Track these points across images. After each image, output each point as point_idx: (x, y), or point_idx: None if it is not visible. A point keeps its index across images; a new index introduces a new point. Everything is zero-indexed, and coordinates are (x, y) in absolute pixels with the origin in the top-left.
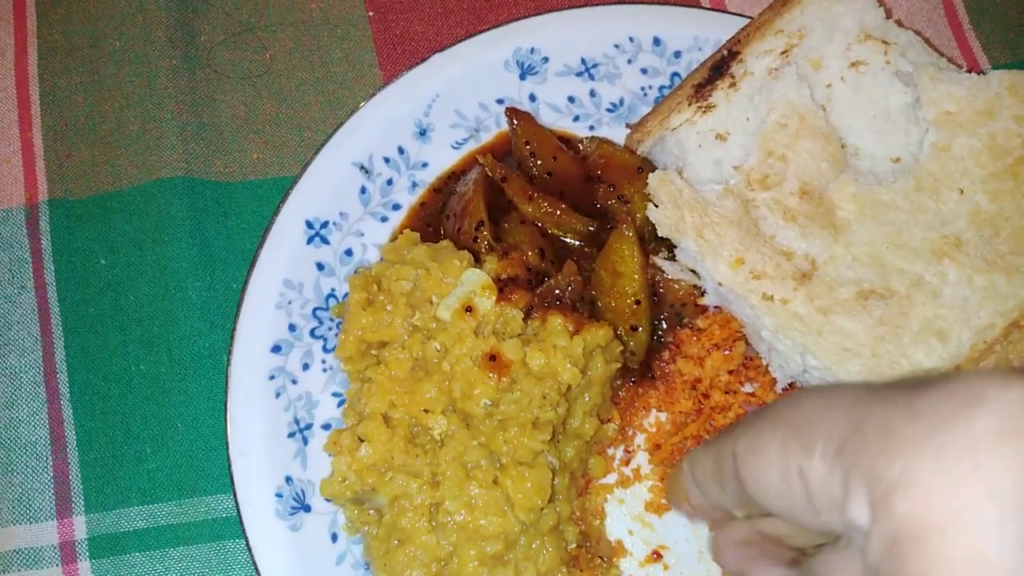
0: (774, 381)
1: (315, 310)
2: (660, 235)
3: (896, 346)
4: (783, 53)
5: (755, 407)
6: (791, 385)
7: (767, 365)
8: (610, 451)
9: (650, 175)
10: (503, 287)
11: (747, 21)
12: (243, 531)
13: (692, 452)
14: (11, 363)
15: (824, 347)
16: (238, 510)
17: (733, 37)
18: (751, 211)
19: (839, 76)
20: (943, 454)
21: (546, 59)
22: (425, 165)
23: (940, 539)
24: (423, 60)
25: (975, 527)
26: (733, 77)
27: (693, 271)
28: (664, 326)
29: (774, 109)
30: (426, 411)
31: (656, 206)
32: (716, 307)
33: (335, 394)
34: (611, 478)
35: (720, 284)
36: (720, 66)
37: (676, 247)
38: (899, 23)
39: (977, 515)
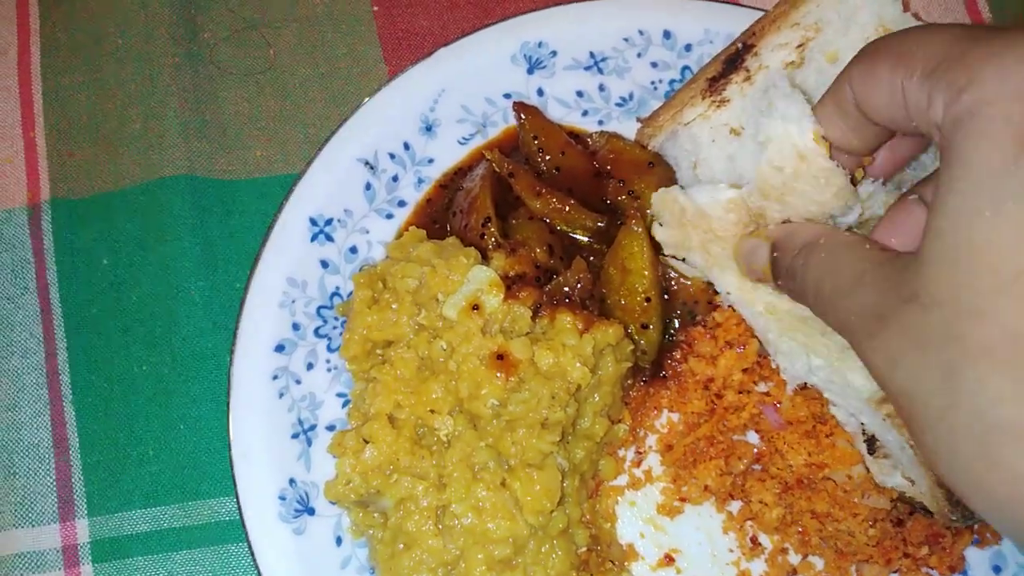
0: None
1: (319, 308)
2: (666, 253)
3: None
4: (799, 47)
5: (770, 407)
6: (804, 387)
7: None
8: (621, 452)
9: (653, 195)
10: (511, 284)
11: (759, 13)
12: (246, 534)
13: (817, 106)
14: (13, 364)
15: (827, 346)
16: (241, 513)
17: (748, 30)
18: (757, 220)
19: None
20: (1003, 65)
21: (554, 53)
22: (431, 161)
23: (988, 108)
24: (429, 54)
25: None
26: (748, 71)
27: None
28: (676, 324)
29: (768, 145)
30: (432, 411)
31: (660, 225)
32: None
33: (339, 394)
34: (622, 480)
35: (728, 293)
36: (734, 59)
37: None
38: (916, 16)
39: (1019, 81)
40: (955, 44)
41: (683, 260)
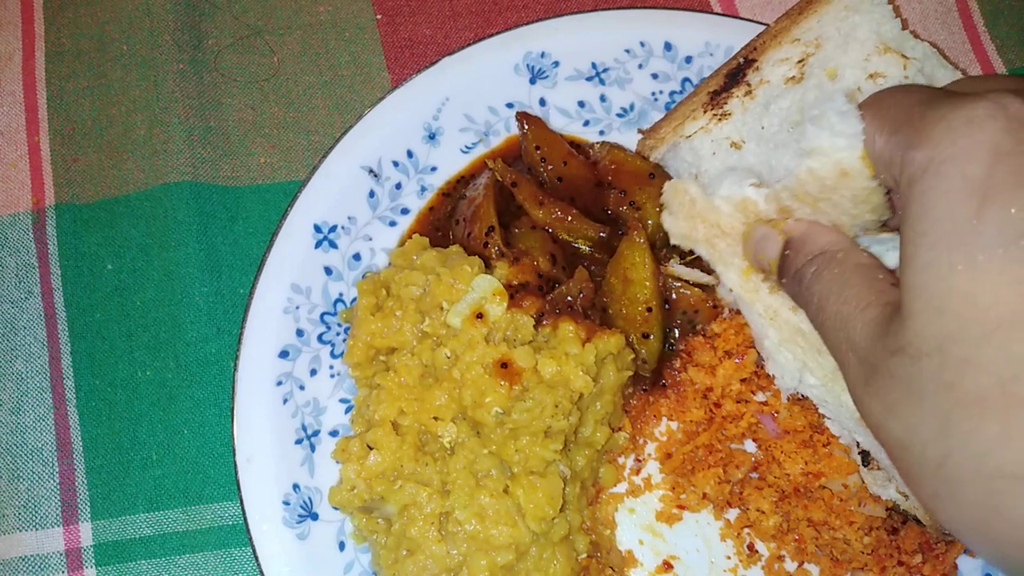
0: None
1: (323, 315)
2: (672, 243)
3: None
4: (799, 62)
5: (768, 416)
6: (802, 397)
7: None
8: (621, 460)
9: (665, 184)
10: (514, 293)
11: (758, 26)
12: (250, 539)
13: None
14: (17, 368)
15: (823, 365)
16: (244, 518)
17: (749, 44)
18: (780, 214)
19: (855, 87)
20: (951, 127)
21: (556, 63)
22: (434, 169)
23: (942, 166)
24: (433, 63)
25: (968, 146)
26: (749, 85)
27: (709, 272)
28: (676, 334)
29: (811, 155)
30: (436, 419)
31: (669, 214)
32: (730, 312)
33: (342, 400)
34: (622, 487)
35: (731, 290)
36: (736, 73)
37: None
38: (914, 34)
39: (967, 142)
40: (914, 107)
41: (685, 259)
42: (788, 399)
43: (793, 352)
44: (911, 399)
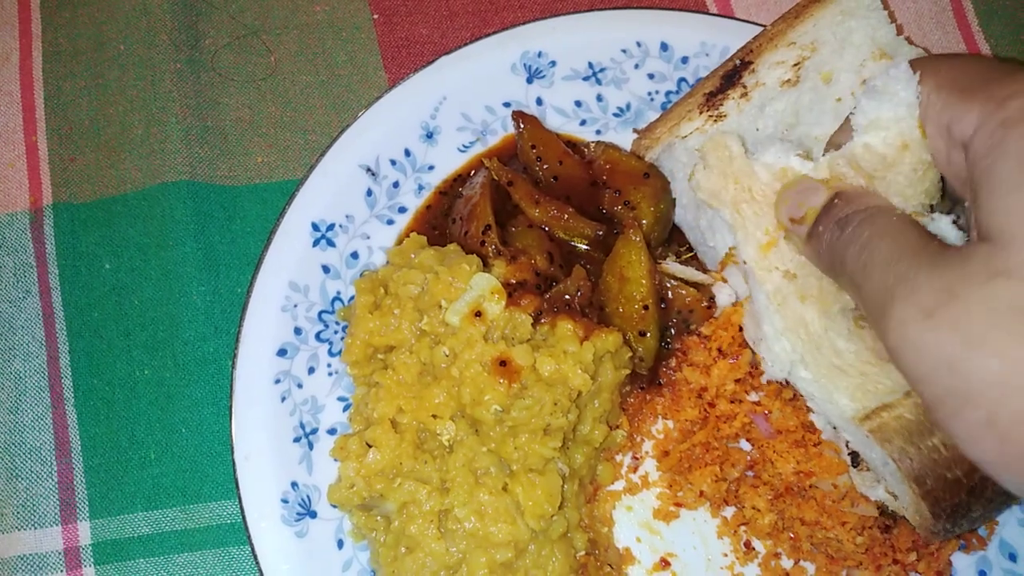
0: (779, 390)
1: (321, 313)
2: (699, 198)
3: (881, 369)
4: (795, 65)
5: (760, 416)
6: (793, 398)
7: None
8: (618, 458)
9: (706, 138)
10: (512, 292)
11: (754, 27)
12: (248, 537)
13: None
14: (15, 367)
15: (819, 360)
16: (243, 516)
17: (745, 46)
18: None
19: (849, 91)
20: None
21: (553, 63)
22: (431, 168)
23: None
24: (430, 63)
25: None
26: (745, 87)
27: (704, 271)
28: (672, 333)
29: (871, 129)
30: (435, 417)
31: (704, 168)
32: (724, 311)
33: (340, 398)
34: (619, 485)
35: (744, 262)
36: (732, 75)
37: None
38: (909, 40)
39: None
40: (990, 71)
41: (680, 258)
42: (769, 381)
43: (792, 343)
44: (1015, 324)
